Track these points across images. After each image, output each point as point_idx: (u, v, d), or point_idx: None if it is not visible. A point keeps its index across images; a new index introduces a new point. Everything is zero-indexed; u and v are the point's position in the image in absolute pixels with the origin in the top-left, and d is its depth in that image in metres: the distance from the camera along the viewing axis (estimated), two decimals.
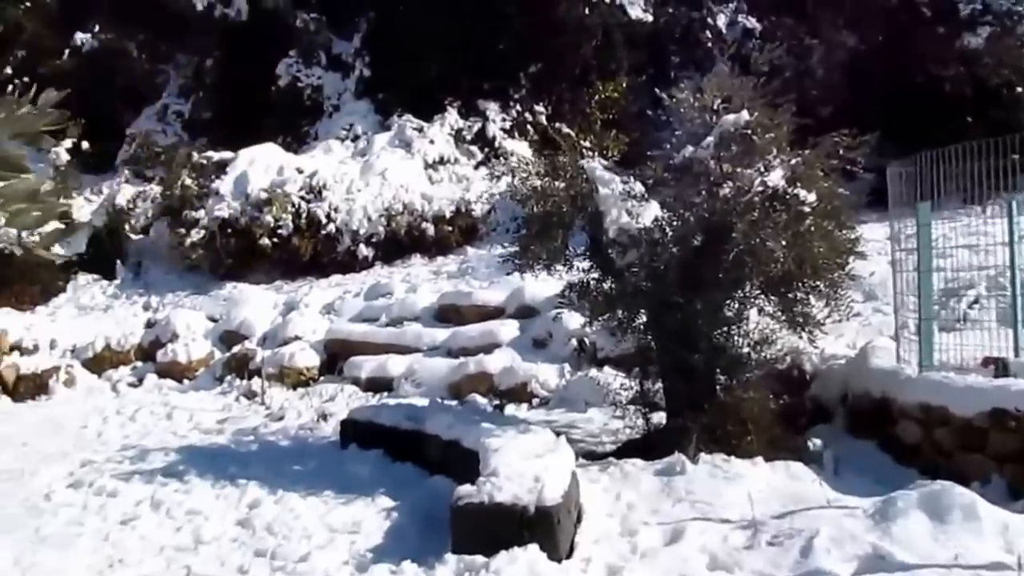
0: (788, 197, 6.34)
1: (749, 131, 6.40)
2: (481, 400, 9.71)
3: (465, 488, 5.61)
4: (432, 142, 17.01)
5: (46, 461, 8.76)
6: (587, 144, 16.42)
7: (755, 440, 6.68)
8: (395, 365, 11.24)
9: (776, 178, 6.39)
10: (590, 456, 7.63)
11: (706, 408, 6.95)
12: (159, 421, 10.70)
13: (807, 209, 6.38)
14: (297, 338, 12.48)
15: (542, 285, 10.54)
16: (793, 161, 6.46)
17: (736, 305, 7.17)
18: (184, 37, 19.28)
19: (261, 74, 18.10)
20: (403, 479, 7.40)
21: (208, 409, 11.15)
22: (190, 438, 9.65)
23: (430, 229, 15.47)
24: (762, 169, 6.49)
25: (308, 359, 12.03)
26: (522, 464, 5.82)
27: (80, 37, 19.45)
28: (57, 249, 16.53)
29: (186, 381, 12.73)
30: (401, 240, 15.43)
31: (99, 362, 13.50)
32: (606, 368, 9.57)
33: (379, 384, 11.14)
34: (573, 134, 16.58)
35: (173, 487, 7.42)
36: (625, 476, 6.67)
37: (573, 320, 9.80)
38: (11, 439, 9.95)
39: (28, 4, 19.60)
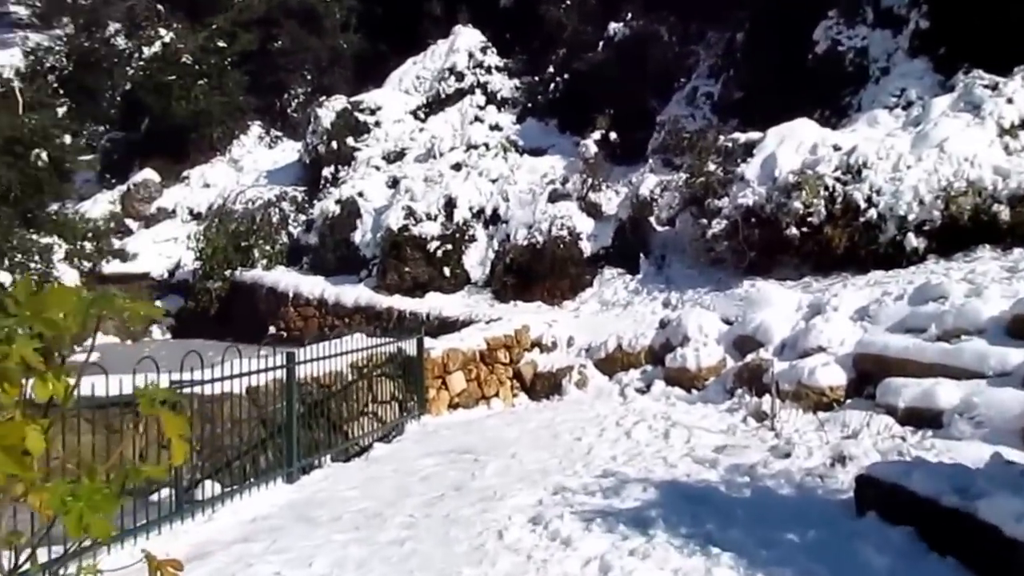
0: None
1: None
2: None
3: None
4: (1010, 101, 13.37)
5: (523, 481, 7.97)
6: None
7: None
8: (946, 394, 8.53)
9: None
10: None
11: None
12: (654, 439, 9.44)
13: None
14: (820, 349, 10.32)
15: None
16: None
17: None
18: (714, 13, 17.98)
19: (795, 43, 16.01)
20: None
21: (709, 429, 9.61)
22: (678, 469, 8.17)
23: (1004, 213, 12.03)
24: None
25: (831, 377, 9.83)
26: None
27: (613, 27, 19.25)
28: (585, 243, 16.40)
29: (694, 391, 11.37)
30: (962, 227, 12.24)
31: (610, 363, 12.80)
32: None
33: (922, 417, 8.54)
34: None
35: (632, 544, 5.96)
36: None
37: None
38: (507, 447, 9.47)
39: (568, 2, 19.94)
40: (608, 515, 6.67)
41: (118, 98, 28.22)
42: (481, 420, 11.40)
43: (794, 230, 13.26)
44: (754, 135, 14.94)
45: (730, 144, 15.27)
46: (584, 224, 16.52)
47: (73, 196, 15.42)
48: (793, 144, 14.23)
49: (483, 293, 17.16)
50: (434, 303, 16.37)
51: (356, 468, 8.97)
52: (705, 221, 14.66)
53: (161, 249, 21.36)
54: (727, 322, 12.16)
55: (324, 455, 9.12)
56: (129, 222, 23.21)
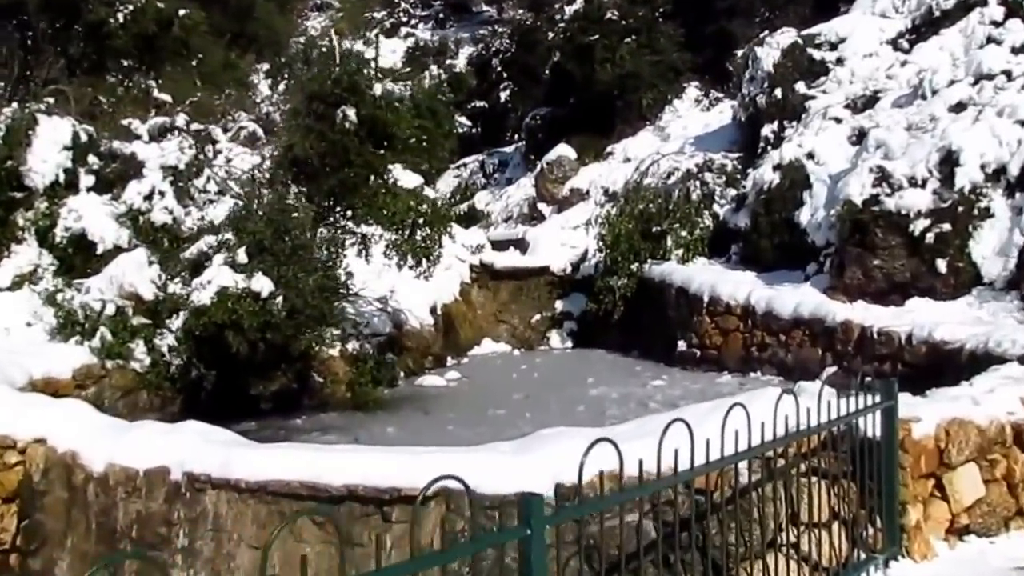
0: None
1: None
2: None
3: None
4: None
5: None
6: None
7: None
8: None
9: None
10: None
11: None
12: None
13: None
14: None
15: None
16: None
17: None
18: None
19: None
20: None
21: None
22: None
23: None
24: None
25: None
26: None
27: None
28: None
29: None
30: None
31: None
32: None
33: None
34: None
35: None
36: None
37: None
38: None
39: None
40: None
41: (546, 72, 25.70)
42: None
43: None
44: None
45: None
46: None
47: (394, 167, 12.17)
48: None
49: (1004, 300, 10.89)
50: (920, 316, 10.54)
51: None
52: None
53: (567, 237, 17.89)
54: None
55: None
56: (542, 207, 20.19)
